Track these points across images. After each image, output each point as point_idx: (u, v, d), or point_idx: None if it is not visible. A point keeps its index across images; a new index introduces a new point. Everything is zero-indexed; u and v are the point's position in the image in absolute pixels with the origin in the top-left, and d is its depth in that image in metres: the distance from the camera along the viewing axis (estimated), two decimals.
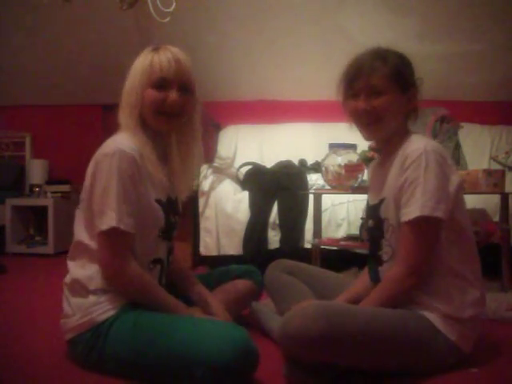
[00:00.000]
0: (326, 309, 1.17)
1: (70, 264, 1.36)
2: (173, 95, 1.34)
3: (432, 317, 1.25)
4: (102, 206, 1.24)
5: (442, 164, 1.23)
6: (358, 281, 1.53)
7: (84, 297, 1.29)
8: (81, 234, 1.34)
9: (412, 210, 1.22)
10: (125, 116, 1.36)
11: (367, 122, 1.34)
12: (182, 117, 1.39)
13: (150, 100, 1.33)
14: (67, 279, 1.35)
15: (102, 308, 1.26)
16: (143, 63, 1.35)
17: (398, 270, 1.25)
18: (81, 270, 1.32)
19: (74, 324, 1.29)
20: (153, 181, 1.34)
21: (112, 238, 1.25)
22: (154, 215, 1.35)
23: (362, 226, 2.39)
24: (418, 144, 1.26)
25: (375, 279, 1.40)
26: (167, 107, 1.35)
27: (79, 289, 1.30)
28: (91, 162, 1.32)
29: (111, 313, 1.26)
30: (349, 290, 1.49)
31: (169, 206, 1.41)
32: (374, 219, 1.40)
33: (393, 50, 1.36)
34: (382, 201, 1.35)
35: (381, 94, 1.30)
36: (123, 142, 1.30)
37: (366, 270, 1.52)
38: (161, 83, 1.33)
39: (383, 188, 1.36)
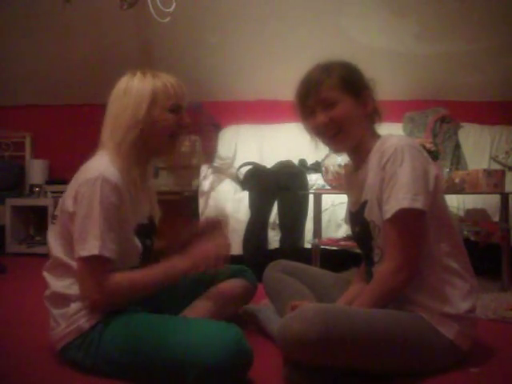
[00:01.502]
0: (325, 312, 1.16)
1: (48, 276, 1.36)
2: (187, 118, 1.42)
3: (429, 316, 1.25)
4: (84, 233, 1.23)
5: (417, 157, 1.25)
6: (355, 282, 1.53)
7: (66, 306, 1.29)
8: (56, 248, 1.34)
9: (392, 206, 1.23)
10: (115, 137, 1.34)
11: (330, 134, 1.35)
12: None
13: (166, 123, 1.36)
14: (47, 293, 1.36)
15: (87, 314, 1.26)
16: (152, 87, 1.35)
17: (386, 266, 1.26)
18: (58, 281, 1.32)
19: (61, 334, 1.29)
20: (135, 205, 1.34)
21: (92, 265, 1.24)
22: (133, 244, 1.36)
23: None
24: (391, 141, 1.28)
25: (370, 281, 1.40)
26: (183, 130, 1.41)
27: (60, 300, 1.31)
28: (73, 182, 1.32)
29: (98, 317, 1.26)
30: (347, 294, 1.49)
31: (149, 227, 1.44)
32: (359, 224, 1.40)
33: (336, 60, 1.38)
34: (364, 204, 1.35)
35: (334, 104, 1.32)
36: (107, 166, 1.28)
37: (360, 272, 1.52)
38: (175, 108, 1.38)
39: (363, 192, 1.36)
